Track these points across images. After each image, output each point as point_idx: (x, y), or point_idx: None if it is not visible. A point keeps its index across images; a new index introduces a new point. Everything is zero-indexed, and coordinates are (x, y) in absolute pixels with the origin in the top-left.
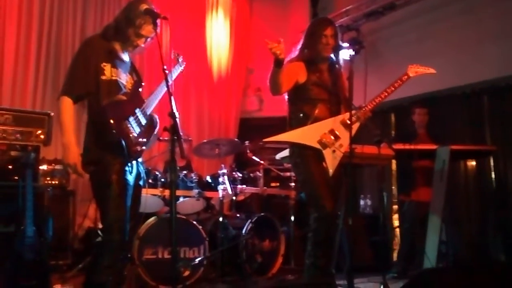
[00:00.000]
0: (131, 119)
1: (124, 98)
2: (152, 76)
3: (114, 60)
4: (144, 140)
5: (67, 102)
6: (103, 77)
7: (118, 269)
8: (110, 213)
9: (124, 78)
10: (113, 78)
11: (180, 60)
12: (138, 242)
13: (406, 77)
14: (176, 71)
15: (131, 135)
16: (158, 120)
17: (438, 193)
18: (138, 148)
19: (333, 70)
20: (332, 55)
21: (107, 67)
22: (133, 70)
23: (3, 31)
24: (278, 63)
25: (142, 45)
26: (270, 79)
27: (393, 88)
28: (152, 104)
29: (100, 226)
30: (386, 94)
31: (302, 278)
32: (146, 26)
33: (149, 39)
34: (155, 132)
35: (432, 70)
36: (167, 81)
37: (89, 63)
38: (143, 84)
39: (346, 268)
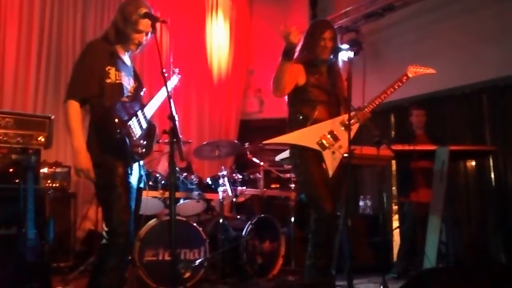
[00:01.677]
0: (134, 120)
1: (127, 100)
2: (152, 82)
3: (118, 64)
4: (145, 142)
5: (74, 106)
6: (108, 80)
7: (120, 271)
8: (115, 216)
9: (127, 82)
10: (117, 81)
11: (176, 72)
12: (139, 244)
13: (405, 77)
14: (172, 83)
15: (133, 136)
16: (156, 126)
17: (437, 193)
18: (139, 150)
19: (332, 72)
20: (331, 57)
21: (112, 71)
22: (135, 74)
23: (4, 35)
24: (288, 54)
25: (144, 42)
26: (276, 76)
27: (392, 89)
28: (152, 108)
29: (101, 228)
30: (386, 95)
31: (303, 279)
32: (142, 20)
33: (149, 35)
34: (155, 137)
35: (431, 70)
36: (166, 84)
37: (94, 66)
38: (144, 89)
39: (346, 269)
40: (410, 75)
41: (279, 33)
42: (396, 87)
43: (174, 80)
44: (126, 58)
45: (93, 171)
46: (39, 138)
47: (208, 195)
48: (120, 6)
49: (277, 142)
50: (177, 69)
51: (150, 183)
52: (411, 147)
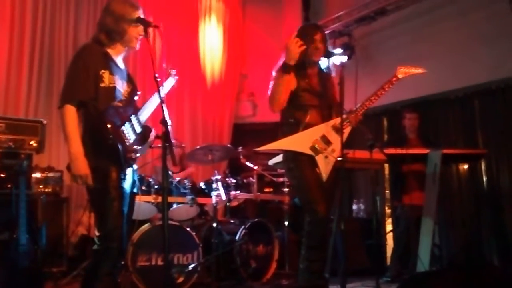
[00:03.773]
0: (127, 125)
1: (121, 104)
2: (145, 86)
3: (111, 67)
4: (139, 147)
5: (70, 111)
6: (102, 84)
7: (113, 276)
8: (108, 221)
9: (121, 85)
10: (111, 85)
11: (173, 73)
12: (132, 248)
13: (395, 79)
14: (169, 84)
15: (126, 141)
16: (153, 130)
17: (430, 196)
18: (133, 155)
19: (322, 75)
20: (321, 60)
21: (105, 74)
22: (129, 78)
23: None
24: (288, 68)
25: (141, 36)
26: (273, 91)
27: (383, 91)
28: (146, 112)
29: (94, 233)
30: (377, 97)
31: (297, 282)
32: (132, 12)
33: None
34: (149, 141)
35: (420, 70)
36: (158, 88)
37: (89, 69)
38: (139, 93)
39: (340, 272)
40: (399, 76)
41: (281, 44)
42: (387, 89)
43: (171, 81)
44: (119, 61)
45: (91, 177)
46: (31, 143)
47: (202, 200)
48: (105, 7)
49: (269, 148)
50: (174, 70)
51: (143, 187)
52: (404, 151)
